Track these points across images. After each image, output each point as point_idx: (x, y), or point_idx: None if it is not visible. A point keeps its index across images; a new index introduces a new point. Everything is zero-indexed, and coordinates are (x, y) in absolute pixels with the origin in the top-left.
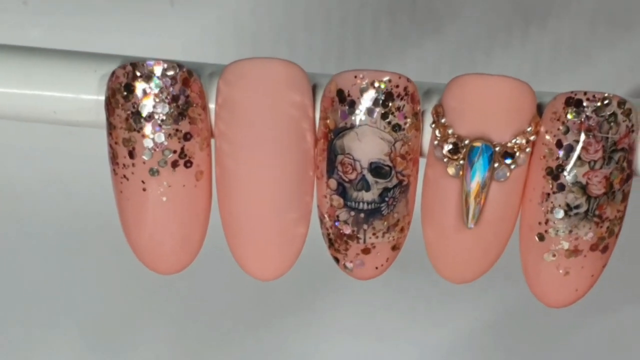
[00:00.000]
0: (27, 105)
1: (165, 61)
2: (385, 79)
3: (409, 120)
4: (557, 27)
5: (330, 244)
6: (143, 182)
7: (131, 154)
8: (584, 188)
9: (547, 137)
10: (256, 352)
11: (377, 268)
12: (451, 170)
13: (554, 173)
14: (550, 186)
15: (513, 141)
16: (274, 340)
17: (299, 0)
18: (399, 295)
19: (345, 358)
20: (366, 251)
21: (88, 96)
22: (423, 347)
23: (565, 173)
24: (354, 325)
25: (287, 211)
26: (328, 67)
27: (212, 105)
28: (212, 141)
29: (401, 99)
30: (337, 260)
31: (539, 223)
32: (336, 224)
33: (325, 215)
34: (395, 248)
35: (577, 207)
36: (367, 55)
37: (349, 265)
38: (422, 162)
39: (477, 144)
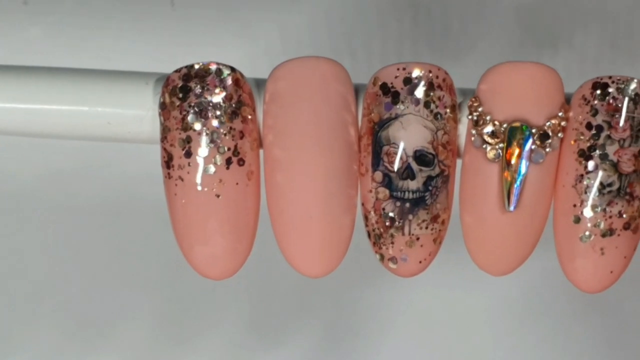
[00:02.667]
0: (82, 121)
1: (218, 63)
2: (426, 69)
3: (448, 110)
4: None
5: (376, 240)
6: (199, 180)
7: (187, 154)
8: (615, 166)
9: (577, 121)
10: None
11: (420, 262)
12: (491, 155)
13: (587, 154)
14: (584, 167)
15: (547, 124)
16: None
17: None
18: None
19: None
20: (410, 244)
21: (142, 105)
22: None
23: (597, 152)
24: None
25: (333, 201)
26: None
27: (259, 110)
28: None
29: (441, 89)
30: (381, 257)
31: (574, 205)
32: (382, 217)
33: (371, 211)
34: (437, 242)
35: (610, 184)
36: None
37: (393, 262)
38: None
39: (517, 124)
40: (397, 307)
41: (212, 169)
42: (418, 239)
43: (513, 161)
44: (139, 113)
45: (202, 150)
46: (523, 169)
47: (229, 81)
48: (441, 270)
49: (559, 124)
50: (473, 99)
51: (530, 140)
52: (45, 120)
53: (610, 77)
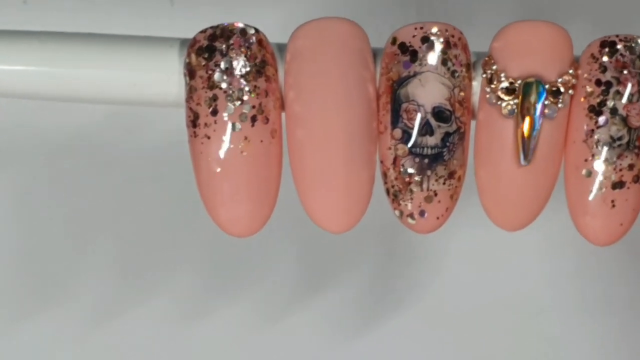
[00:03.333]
0: (107, 84)
1: (243, 24)
2: (442, 28)
3: (463, 68)
4: None
5: (395, 197)
6: (225, 137)
7: (214, 112)
8: (624, 120)
9: (586, 78)
10: None
11: (438, 218)
12: (506, 110)
13: (596, 109)
14: (594, 122)
15: (559, 80)
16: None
17: None
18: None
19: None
20: (429, 199)
21: (167, 66)
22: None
23: (606, 107)
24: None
25: (353, 155)
26: None
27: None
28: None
29: (457, 47)
30: (400, 213)
31: (585, 160)
32: (401, 173)
33: (390, 167)
34: (454, 198)
35: (619, 138)
36: None
37: (412, 218)
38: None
39: (531, 80)
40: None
41: (238, 126)
42: (436, 194)
43: (527, 116)
44: (165, 75)
45: (229, 107)
46: (537, 124)
47: (253, 40)
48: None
49: (570, 81)
50: (487, 58)
51: (544, 96)
52: (72, 83)
53: (617, 36)
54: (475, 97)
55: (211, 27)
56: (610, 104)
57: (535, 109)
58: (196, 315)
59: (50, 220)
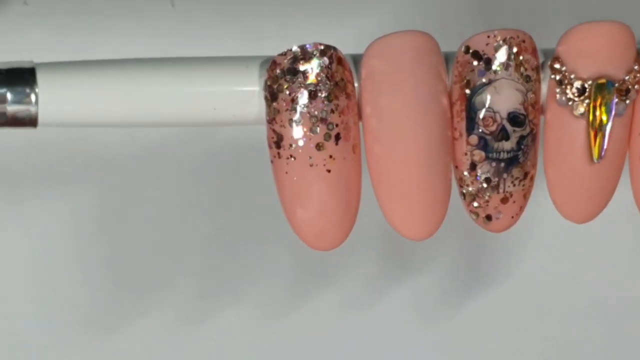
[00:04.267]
0: (187, 107)
1: (321, 44)
2: (514, 34)
3: (534, 72)
4: None
5: (472, 199)
6: (310, 157)
7: (299, 133)
8: None
9: None
10: None
11: (512, 217)
12: (578, 111)
13: None
14: None
15: (627, 78)
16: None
17: None
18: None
19: None
20: (505, 200)
21: (247, 89)
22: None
23: None
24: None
25: (431, 166)
26: None
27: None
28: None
29: (527, 52)
30: (476, 216)
31: None
32: (477, 177)
33: (466, 172)
34: (527, 197)
35: None
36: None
37: (488, 219)
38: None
39: (602, 81)
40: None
41: (323, 146)
42: (512, 195)
43: (600, 116)
44: (244, 97)
45: (313, 128)
46: (610, 123)
47: (333, 60)
48: None
49: (636, 76)
50: (555, 59)
51: (615, 95)
52: (152, 110)
53: None
54: (543, 97)
55: (291, 50)
56: None
57: (607, 108)
58: (198, 319)
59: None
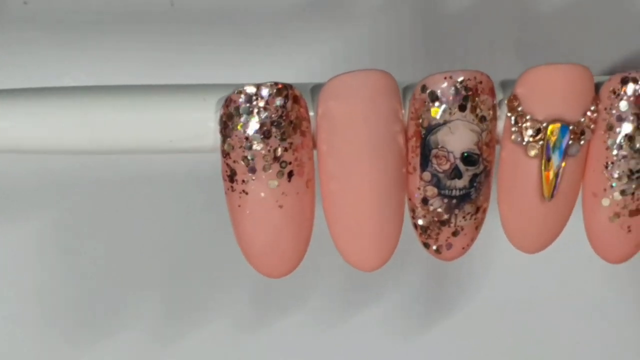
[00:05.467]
0: (143, 137)
1: (276, 83)
2: (471, 76)
3: (490, 111)
4: None
5: (423, 231)
6: (263, 193)
7: (252, 170)
8: None
9: (607, 113)
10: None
11: (463, 248)
12: (532, 152)
13: (616, 143)
14: (614, 155)
15: (582, 120)
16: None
17: None
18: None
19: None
20: (455, 233)
21: (202, 123)
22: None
23: (625, 143)
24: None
25: (384, 206)
26: None
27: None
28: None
29: (484, 93)
30: (427, 245)
31: (604, 189)
32: (429, 212)
33: (418, 206)
34: (478, 228)
35: (638, 171)
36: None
37: (439, 250)
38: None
39: (556, 125)
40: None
41: (275, 183)
42: (462, 229)
43: (553, 157)
44: (200, 131)
45: (266, 166)
46: (561, 164)
47: (289, 99)
48: None
49: (592, 117)
50: (512, 99)
51: (568, 137)
52: (108, 139)
53: (638, 72)
54: (499, 132)
55: (246, 87)
56: (629, 139)
57: (560, 150)
58: (182, 328)
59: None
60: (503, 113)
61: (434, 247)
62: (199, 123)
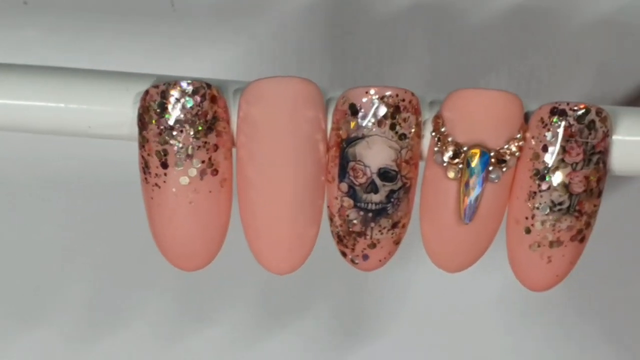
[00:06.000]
0: (63, 120)
1: (195, 81)
2: (393, 93)
3: (413, 129)
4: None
5: (339, 240)
6: (174, 189)
7: (164, 165)
8: (566, 187)
9: (534, 142)
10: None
11: (380, 260)
12: (451, 174)
13: (541, 174)
14: (538, 185)
15: (505, 147)
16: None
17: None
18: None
19: None
20: (372, 246)
21: (121, 112)
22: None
23: (550, 174)
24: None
25: (301, 214)
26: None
27: (234, 117)
28: (233, 150)
29: (407, 111)
30: (344, 254)
31: (526, 218)
32: (345, 222)
33: (336, 215)
34: (396, 242)
35: (560, 203)
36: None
37: (355, 260)
38: (421, 165)
39: (475, 150)
40: (404, 295)
41: (186, 180)
42: (379, 241)
43: (470, 181)
44: (118, 120)
45: (178, 163)
46: (479, 189)
47: (205, 98)
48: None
49: (517, 145)
50: (437, 119)
51: (488, 163)
52: (27, 116)
53: (567, 104)
54: (425, 148)
55: (164, 84)
56: (553, 171)
57: (478, 175)
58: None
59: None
60: (428, 132)
61: (350, 257)
62: (118, 112)
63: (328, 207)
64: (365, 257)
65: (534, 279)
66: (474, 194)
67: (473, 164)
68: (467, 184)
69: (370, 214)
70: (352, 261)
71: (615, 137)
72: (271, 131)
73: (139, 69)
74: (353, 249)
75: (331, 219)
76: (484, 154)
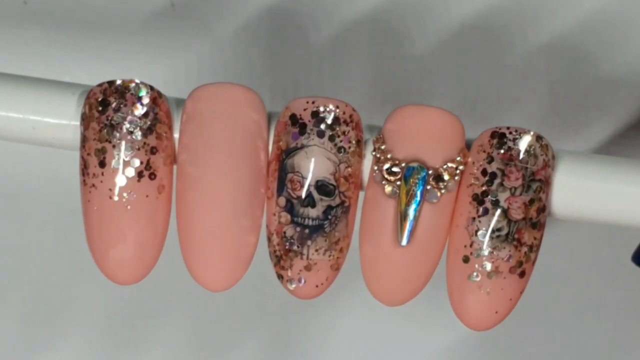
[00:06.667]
0: (7, 125)
1: (139, 81)
2: (334, 105)
3: (352, 145)
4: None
5: (277, 261)
6: (110, 189)
7: (102, 163)
8: (505, 212)
9: (474, 167)
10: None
11: (317, 286)
12: (388, 190)
13: (479, 198)
14: (476, 210)
15: (444, 166)
16: (275, 340)
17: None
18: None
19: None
20: (308, 268)
21: (66, 116)
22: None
23: (489, 198)
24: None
25: (238, 219)
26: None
27: (176, 136)
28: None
29: (347, 124)
30: (280, 277)
31: (465, 246)
32: (282, 240)
33: (274, 233)
34: (334, 268)
35: (499, 229)
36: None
37: (291, 283)
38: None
39: (413, 164)
40: (338, 331)
41: (123, 180)
42: (316, 263)
43: (407, 199)
44: (62, 122)
45: (115, 162)
46: (416, 207)
47: (147, 99)
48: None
49: (456, 168)
50: (378, 137)
51: (425, 180)
52: None
53: (508, 128)
54: (366, 173)
55: (107, 82)
56: (493, 194)
57: (415, 193)
58: None
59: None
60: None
61: (287, 280)
62: (63, 114)
63: (267, 226)
64: (301, 280)
65: (472, 314)
66: (411, 212)
67: (409, 180)
68: (403, 201)
69: (306, 231)
70: (289, 284)
71: (557, 178)
72: (210, 132)
73: (138, 68)
74: (290, 270)
75: (269, 239)
76: (422, 168)
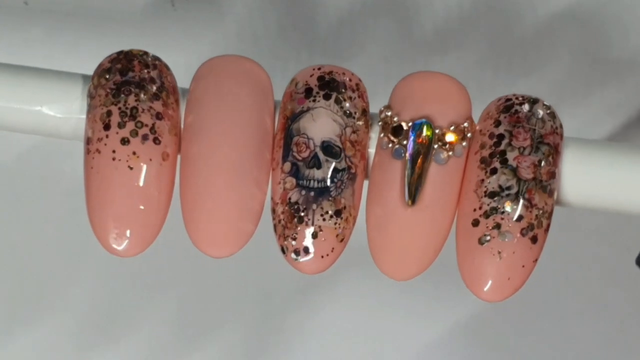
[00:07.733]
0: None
1: (145, 51)
2: (340, 71)
3: (358, 112)
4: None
5: (281, 231)
6: (114, 151)
7: (106, 126)
8: (514, 170)
9: (482, 134)
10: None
11: (322, 257)
12: (395, 151)
13: (488, 160)
14: (484, 172)
15: (451, 127)
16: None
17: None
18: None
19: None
20: (314, 235)
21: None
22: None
23: (497, 158)
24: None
25: (242, 179)
26: None
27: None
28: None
29: (353, 91)
30: (285, 249)
31: (474, 209)
32: (287, 206)
33: (278, 202)
34: (340, 239)
35: (508, 188)
36: None
37: (296, 254)
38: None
39: (421, 120)
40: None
41: (127, 141)
42: (322, 230)
43: (414, 155)
44: (64, 114)
45: (121, 123)
46: (424, 165)
47: (154, 67)
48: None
49: (464, 132)
50: (385, 107)
51: (432, 139)
52: None
53: (514, 95)
54: (372, 155)
55: (116, 53)
56: (501, 154)
57: (421, 151)
58: None
59: None
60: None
61: (292, 251)
62: (66, 104)
63: (272, 198)
64: (307, 249)
65: (484, 280)
66: (419, 170)
67: (416, 136)
68: (410, 159)
69: (312, 193)
70: (294, 254)
71: (566, 166)
72: (219, 95)
73: None
74: (294, 239)
75: (273, 210)
76: (429, 126)
